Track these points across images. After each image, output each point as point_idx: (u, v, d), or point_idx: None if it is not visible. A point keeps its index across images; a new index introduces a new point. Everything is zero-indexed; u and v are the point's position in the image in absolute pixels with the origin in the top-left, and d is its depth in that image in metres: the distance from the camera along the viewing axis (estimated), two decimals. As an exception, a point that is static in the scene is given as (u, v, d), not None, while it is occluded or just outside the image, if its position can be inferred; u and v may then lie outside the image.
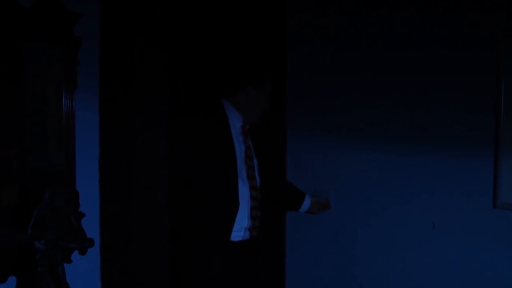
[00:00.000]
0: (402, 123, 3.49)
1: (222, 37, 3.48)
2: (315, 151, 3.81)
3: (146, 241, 2.76)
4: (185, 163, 3.09)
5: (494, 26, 3.22)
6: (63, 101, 2.64)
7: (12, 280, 2.46)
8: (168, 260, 3.02)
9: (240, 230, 3.20)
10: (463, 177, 3.33)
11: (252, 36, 3.64)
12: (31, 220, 2.31)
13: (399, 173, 3.52)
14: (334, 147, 3.73)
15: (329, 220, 3.76)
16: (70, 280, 2.36)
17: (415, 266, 3.49)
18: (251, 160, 3.27)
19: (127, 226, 2.72)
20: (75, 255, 2.60)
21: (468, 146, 3.31)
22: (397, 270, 3.55)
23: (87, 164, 2.74)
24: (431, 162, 3.41)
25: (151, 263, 2.79)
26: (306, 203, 3.62)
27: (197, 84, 3.40)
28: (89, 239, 2.36)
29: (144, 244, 2.75)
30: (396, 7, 3.49)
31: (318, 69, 3.77)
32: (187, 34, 3.29)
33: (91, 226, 2.69)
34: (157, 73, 2.72)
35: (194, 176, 3.11)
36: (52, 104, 2.68)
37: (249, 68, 3.36)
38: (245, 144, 3.26)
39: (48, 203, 2.33)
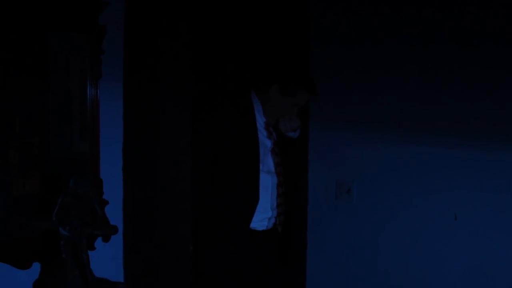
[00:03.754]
0: (425, 117, 3.48)
1: (247, 28, 3.48)
2: (337, 143, 3.81)
3: (169, 229, 2.76)
4: (208, 152, 3.10)
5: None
6: (88, 90, 2.65)
7: (36, 267, 2.48)
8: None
9: (264, 220, 3.21)
10: (485, 168, 3.32)
11: (276, 30, 3.64)
12: (56, 207, 2.32)
13: (421, 166, 3.51)
14: (357, 139, 3.72)
15: (351, 212, 3.76)
16: (94, 266, 2.37)
17: (437, 257, 3.48)
18: (278, 156, 3.27)
19: (150, 214, 2.73)
20: (99, 242, 2.61)
21: (490, 138, 3.30)
22: (419, 261, 3.55)
23: (110, 152, 2.75)
24: (453, 154, 3.40)
25: (173, 251, 2.80)
26: None
27: (224, 74, 3.40)
28: (113, 226, 2.37)
29: (167, 232, 2.76)
30: (418, 2, 3.48)
31: (341, 62, 3.76)
32: (213, 23, 3.29)
33: (115, 214, 2.70)
34: (181, 62, 2.72)
35: (216, 165, 3.12)
36: (76, 92, 2.69)
37: (274, 67, 3.35)
38: (272, 140, 3.25)
39: (73, 190, 2.34)
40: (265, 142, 3.25)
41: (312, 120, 3.88)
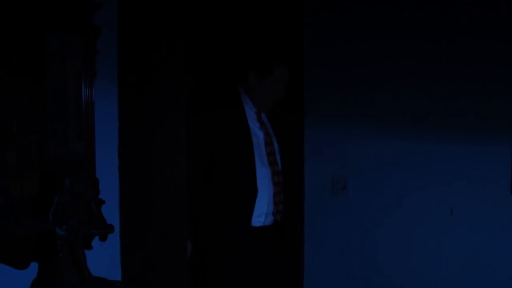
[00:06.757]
0: (419, 111, 3.49)
1: (238, 25, 3.48)
2: (333, 139, 3.82)
3: (166, 227, 2.77)
4: (203, 150, 3.12)
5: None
6: (83, 90, 2.65)
7: (34, 266, 2.49)
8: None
9: (260, 215, 3.21)
10: (480, 163, 3.33)
11: (268, 23, 3.64)
12: (52, 207, 2.32)
13: (416, 160, 3.52)
14: (352, 134, 3.73)
15: (346, 207, 3.77)
16: (91, 265, 2.38)
17: (433, 251, 3.49)
18: (271, 146, 3.29)
19: (146, 212, 2.74)
20: (96, 241, 2.62)
21: (485, 133, 3.31)
22: (415, 255, 3.56)
23: (106, 151, 2.76)
24: (448, 149, 3.42)
25: (170, 249, 2.81)
26: None
27: (215, 71, 3.41)
28: (109, 225, 2.38)
29: (164, 230, 2.77)
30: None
31: (337, 57, 3.77)
32: (205, 21, 3.30)
33: (111, 213, 2.70)
34: (175, 61, 2.73)
35: (213, 163, 3.13)
36: (71, 93, 2.69)
37: (250, 53, 3.37)
38: (263, 130, 3.27)
39: (69, 189, 2.34)
40: (258, 134, 3.28)
41: (308, 116, 3.89)
